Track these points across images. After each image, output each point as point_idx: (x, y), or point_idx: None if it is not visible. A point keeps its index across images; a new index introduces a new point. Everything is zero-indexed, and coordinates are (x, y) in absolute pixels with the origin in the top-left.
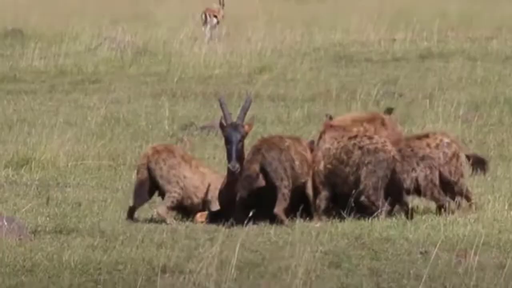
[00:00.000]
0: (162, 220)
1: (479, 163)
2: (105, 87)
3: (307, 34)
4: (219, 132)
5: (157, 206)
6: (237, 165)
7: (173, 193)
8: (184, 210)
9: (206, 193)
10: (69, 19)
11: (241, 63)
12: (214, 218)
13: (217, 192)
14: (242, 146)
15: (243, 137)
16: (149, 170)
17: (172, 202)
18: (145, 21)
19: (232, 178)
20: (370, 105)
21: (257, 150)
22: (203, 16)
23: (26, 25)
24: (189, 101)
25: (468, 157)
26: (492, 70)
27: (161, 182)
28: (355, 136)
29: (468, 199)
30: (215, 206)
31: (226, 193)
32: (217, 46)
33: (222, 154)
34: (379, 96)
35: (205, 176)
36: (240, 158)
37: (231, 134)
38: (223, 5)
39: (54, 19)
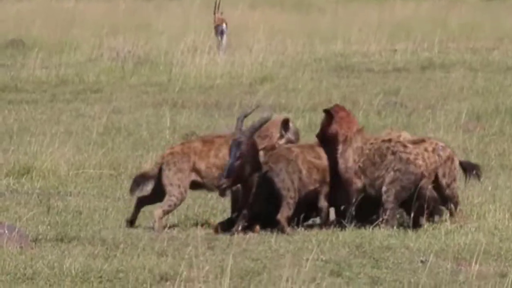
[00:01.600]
0: (152, 226)
1: (472, 169)
2: (106, 96)
3: (308, 45)
4: None
5: (157, 207)
6: (223, 181)
7: (172, 197)
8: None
9: None
10: (70, 29)
11: (242, 73)
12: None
13: None
14: (241, 164)
15: (244, 155)
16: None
17: (170, 206)
18: (146, 31)
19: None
20: (371, 115)
21: (264, 163)
22: (222, 25)
23: (27, 35)
24: (190, 111)
25: (461, 163)
26: (493, 81)
27: (165, 182)
28: (389, 140)
29: (456, 204)
30: None
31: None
32: (220, 56)
33: None
34: (380, 106)
35: None
36: (235, 176)
37: (231, 150)
38: (221, 12)
39: (55, 29)
